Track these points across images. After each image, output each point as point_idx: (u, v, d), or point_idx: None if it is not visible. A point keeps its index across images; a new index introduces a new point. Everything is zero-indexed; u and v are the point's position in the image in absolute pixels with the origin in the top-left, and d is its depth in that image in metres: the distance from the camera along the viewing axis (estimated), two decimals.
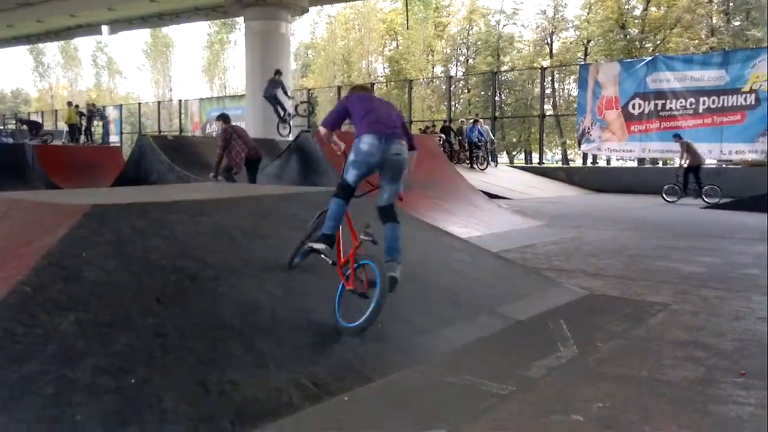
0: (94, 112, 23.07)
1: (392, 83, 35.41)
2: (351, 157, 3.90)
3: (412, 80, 30.07)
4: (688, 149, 14.62)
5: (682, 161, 14.79)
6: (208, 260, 3.87)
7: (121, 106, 37.72)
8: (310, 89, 34.09)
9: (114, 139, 30.85)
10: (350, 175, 3.90)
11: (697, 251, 7.60)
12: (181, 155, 11.60)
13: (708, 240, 8.70)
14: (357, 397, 3.05)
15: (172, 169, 10.69)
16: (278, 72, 15.61)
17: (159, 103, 38.11)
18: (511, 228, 8.83)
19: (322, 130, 4.16)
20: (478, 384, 3.26)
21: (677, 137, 15.47)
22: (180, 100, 34.97)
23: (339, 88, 31.47)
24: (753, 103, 17.07)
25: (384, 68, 41.90)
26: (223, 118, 9.80)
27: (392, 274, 3.76)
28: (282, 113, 15.55)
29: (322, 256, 3.90)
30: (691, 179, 14.57)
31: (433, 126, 21.54)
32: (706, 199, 14.15)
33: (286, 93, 15.94)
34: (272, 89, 15.28)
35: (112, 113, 33.18)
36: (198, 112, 31.91)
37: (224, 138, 9.39)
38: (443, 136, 19.21)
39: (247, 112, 19.83)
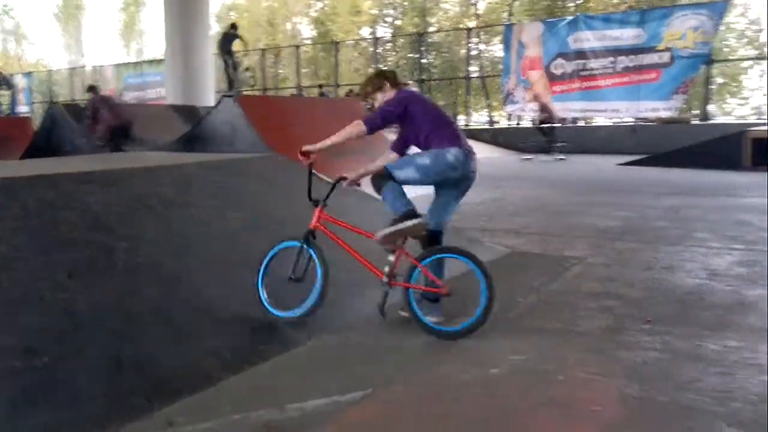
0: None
1: (319, 45, 34.80)
2: (423, 160, 3.50)
3: (338, 42, 29.62)
4: (543, 108, 15.99)
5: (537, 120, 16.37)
6: (124, 232, 3.75)
7: (30, 73, 35.57)
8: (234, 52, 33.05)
9: (24, 109, 29.17)
10: (406, 173, 3.53)
11: (613, 206, 7.93)
12: None
13: (624, 195, 9.09)
14: (279, 365, 3.06)
15: (86, 138, 10.22)
16: (234, 26, 15.62)
17: (71, 70, 36.16)
18: None
19: (364, 128, 3.60)
20: (397, 344, 3.32)
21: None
22: (94, 67, 33.30)
23: (263, 51, 30.71)
24: (668, 61, 17.69)
25: (310, 30, 41.12)
26: (92, 89, 11.15)
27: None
28: (233, 70, 15.36)
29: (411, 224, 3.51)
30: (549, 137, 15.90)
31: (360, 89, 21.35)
32: (559, 155, 15.52)
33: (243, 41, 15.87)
34: (228, 44, 15.16)
35: (20, 82, 31.29)
36: (114, 79, 30.47)
37: (92, 108, 10.43)
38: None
39: (167, 78, 19.06)
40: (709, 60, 18.55)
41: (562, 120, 19.10)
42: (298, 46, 30.74)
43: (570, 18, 19.97)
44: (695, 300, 4.01)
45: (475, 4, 35.50)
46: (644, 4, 25.92)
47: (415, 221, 3.47)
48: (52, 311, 2.90)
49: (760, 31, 29.89)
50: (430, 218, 3.63)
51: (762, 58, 29.03)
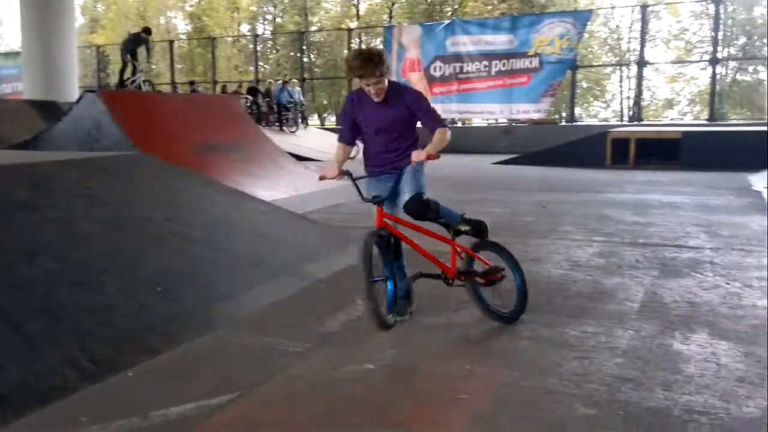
0: None
1: (195, 41, 33.61)
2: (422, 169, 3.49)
3: (215, 38, 28.78)
4: None
5: None
6: None
7: None
8: (99, 46, 31.21)
9: None
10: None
11: (487, 203, 8.24)
12: None
13: (497, 192, 9.48)
14: (143, 372, 2.89)
15: None
16: (147, 30, 14.53)
17: None
18: (320, 189, 8.88)
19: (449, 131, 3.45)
20: (274, 344, 3.26)
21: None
22: None
23: None
24: (537, 66, 18.71)
25: (185, 25, 39.63)
26: None
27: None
28: (133, 73, 14.38)
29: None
30: None
31: (240, 87, 20.88)
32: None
33: (149, 51, 14.77)
34: (132, 46, 14.15)
35: None
36: None
37: None
38: (250, 97, 18.71)
39: (24, 72, 17.61)
40: (574, 65, 19.79)
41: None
42: (172, 41, 29.50)
43: (447, 22, 20.60)
44: (559, 289, 4.24)
45: (356, 5, 35.76)
46: (515, 11, 27.23)
47: (467, 228, 3.62)
48: None
49: (620, 39, 32.35)
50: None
51: (622, 65, 31.50)
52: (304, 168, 10.37)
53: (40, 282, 3.28)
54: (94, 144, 7.01)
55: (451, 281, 3.53)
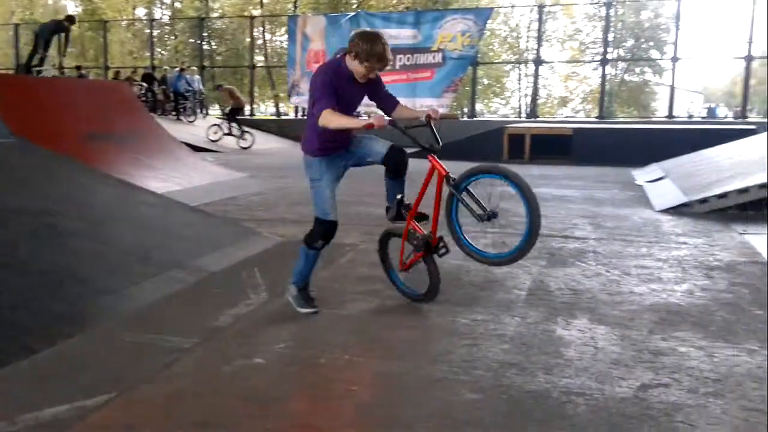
0: None
1: (86, 24, 31.75)
2: None
3: (107, 21, 27.32)
4: (231, 95, 17.01)
5: (226, 107, 17.14)
6: None
7: None
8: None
9: None
10: None
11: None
12: None
13: None
14: (16, 372, 2.70)
15: None
16: (70, 19, 13.98)
17: None
18: (215, 181, 8.65)
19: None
20: (159, 341, 3.12)
21: (219, 87, 18.29)
22: None
23: (17, 26, 27.23)
24: (440, 61, 19.02)
25: (75, 6, 37.35)
26: None
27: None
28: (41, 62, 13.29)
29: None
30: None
31: (134, 73, 19.95)
32: (242, 142, 16.09)
33: (67, 42, 13.91)
34: (49, 33, 13.04)
35: None
36: None
37: None
38: (145, 84, 17.91)
39: None
40: (475, 62, 20.28)
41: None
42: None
43: (352, 14, 20.57)
44: (453, 279, 4.32)
45: None
46: (419, 6, 27.60)
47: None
48: None
49: (519, 38, 33.53)
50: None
51: (520, 63, 32.68)
52: (201, 159, 10.06)
53: None
54: None
55: None
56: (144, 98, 16.55)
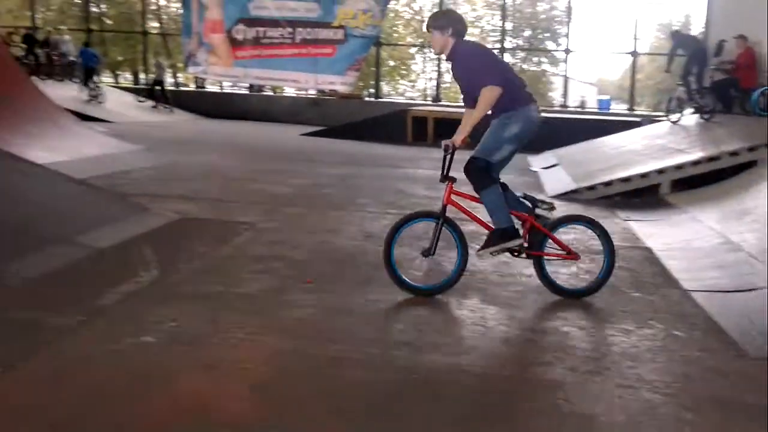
0: None
1: None
2: (512, 129, 3.43)
3: None
4: (158, 66, 18.30)
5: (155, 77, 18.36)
6: None
7: None
8: None
9: None
10: (501, 153, 3.47)
11: (289, 174, 8.19)
12: None
13: (301, 164, 9.48)
14: None
15: None
16: None
17: None
18: (107, 153, 8.19)
19: (498, 90, 3.34)
20: (41, 318, 2.95)
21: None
22: None
23: None
24: (342, 38, 18.86)
25: None
26: None
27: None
28: None
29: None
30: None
31: (15, 32, 18.46)
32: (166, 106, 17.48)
33: None
34: None
35: None
36: None
37: None
38: (25, 46, 16.60)
39: None
40: (378, 42, 20.29)
41: (251, 87, 19.40)
42: None
43: None
44: (351, 260, 4.34)
45: None
46: None
47: (517, 241, 3.48)
48: None
49: (423, 21, 33.81)
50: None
51: (424, 46, 33.04)
52: (89, 129, 9.49)
53: None
54: None
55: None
56: (25, 61, 15.35)
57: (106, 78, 23.94)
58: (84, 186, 5.34)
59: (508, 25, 26.34)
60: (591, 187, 7.32)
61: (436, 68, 23.73)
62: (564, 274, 3.99)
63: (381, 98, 21.12)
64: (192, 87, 23.91)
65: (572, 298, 3.66)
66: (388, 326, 3.12)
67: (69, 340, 2.78)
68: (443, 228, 3.55)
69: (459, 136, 3.52)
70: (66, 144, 7.52)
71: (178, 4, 29.83)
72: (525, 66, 33.68)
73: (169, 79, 26.79)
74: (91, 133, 8.91)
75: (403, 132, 14.09)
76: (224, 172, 8.21)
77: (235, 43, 19.21)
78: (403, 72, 36.25)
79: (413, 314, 3.31)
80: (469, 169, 3.51)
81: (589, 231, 3.83)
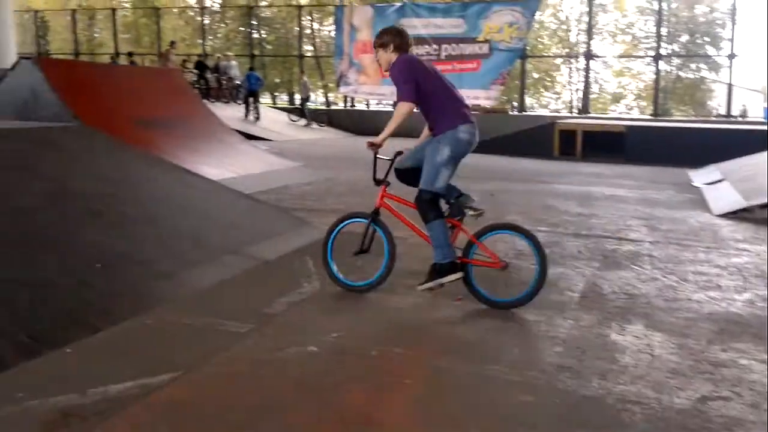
0: None
1: (140, 11, 32.43)
2: (443, 154, 3.50)
3: (160, 8, 27.85)
4: (304, 85, 19.25)
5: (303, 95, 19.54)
6: None
7: None
8: (38, 11, 29.82)
9: None
10: (441, 180, 3.53)
11: None
12: None
13: None
14: (82, 348, 2.81)
15: None
16: None
17: None
18: (268, 169, 8.76)
19: (408, 105, 3.52)
20: (216, 324, 3.20)
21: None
22: None
23: (74, 11, 27.98)
24: (487, 52, 18.80)
25: None
26: None
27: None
28: None
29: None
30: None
31: (188, 59, 20.35)
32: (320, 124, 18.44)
33: None
34: None
35: None
36: None
37: None
38: (198, 72, 18.23)
39: None
40: (524, 55, 19.99)
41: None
42: (114, 10, 28.38)
43: (398, 4, 20.50)
44: (502, 278, 4.27)
45: None
46: None
47: (458, 276, 3.55)
48: None
49: (569, 31, 32.87)
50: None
51: (571, 57, 32.08)
52: (253, 147, 10.20)
53: None
54: (31, 114, 6.69)
55: None
56: (197, 86, 16.84)
57: (264, 99, 25.63)
58: (251, 200, 5.74)
59: (663, 31, 24.80)
60: (765, 205, 6.67)
61: (584, 78, 22.93)
62: (491, 283, 3.70)
63: (525, 111, 20.72)
64: (341, 105, 24.95)
65: (498, 308, 3.55)
66: (546, 348, 3.03)
67: (241, 346, 2.98)
68: (374, 228, 3.76)
69: (380, 138, 3.65)
70: (233, 161, 8.14)
71: (331, 28, 31.44)
72: (681, 73, 31.56)
73: (319, 98, 28.18)
74: (254, 151, 9.57)
75: (550, 146, 13.72)
76: (376, 188, 8.44)
77: None
78: (548, 83, 35.34)
79: (573, 338, 3.19)
80: (417, 202, 3.59)
81: (519, 240, 3.75)
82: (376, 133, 3.73)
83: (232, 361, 2.81)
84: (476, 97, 19.32)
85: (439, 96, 3.58)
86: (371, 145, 3.70)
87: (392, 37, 3.69)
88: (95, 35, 32.05)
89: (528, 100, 24.68)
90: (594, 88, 31.39)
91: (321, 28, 33.51)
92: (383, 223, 3.81)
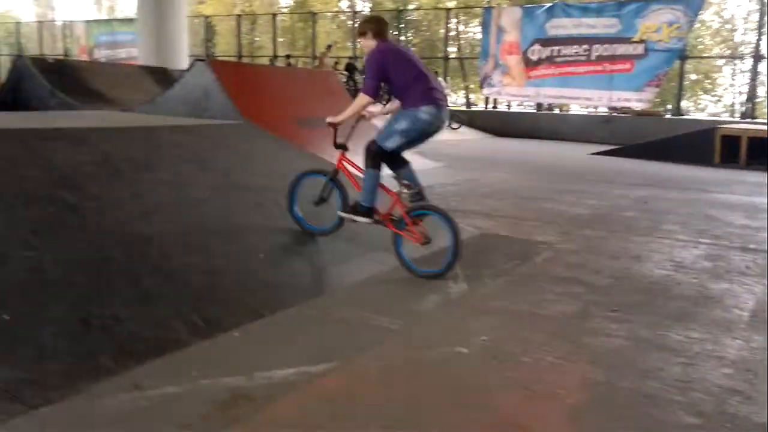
0: None
1: (296, 15, 34.21)
2: (401, 125, 3.88)
3: (316, 13, 29.17)
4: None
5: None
6: (91, 191, 3.66)
7: None
8: (207, 16, 32.35)
9: None
10: (391, 142, 3.92)
11: (584, 195, 8.00)
12: (65, 81, 10.73)
13: (595, 184, 9.18)
14: (247, 333, 3.03)
15: (53, 94, 9.89)
16: None
17: (40, 23, 34.92)
18: (415, 169, 8.90)
19: (366, 99, 3.92)
20: (368, 319, 3.32)
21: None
22: (64, 22, 32.21)
23: (239, 17, 30.04)
24: (642, 52, 17.84)
25: None
26: None
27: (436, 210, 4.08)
28: None
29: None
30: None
31: (339, 61, 21.15)
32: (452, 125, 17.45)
33: None
34: None
35: None
36: (84, 36, 29.52)
37: None
38: (347, 73, 18.89)
39: (138, 38, 18.54)
40: (683, 55, 18.76)
41: (539, 106, 19.38)
42: (274, 15, 30.18)
43: (549, 5, 19.98)
44: (661, 290, 4.08)
45: None
46: None
47: (365, 220, 4.07)
48: (16, 268, 2.81)
49: (734, 30, 30.35)
50: (384, 138, 3.99)
51: (735, 57, 29.60)
52: None
53: (154, 241, 3.48)
54: (202, 111, 7.30)
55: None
56: (347, 86, 17.47)
57: None
58: None
59: None
60: None
61: (749, 81, 21.05)
62: (415, 254, 4.16)
63: (681, 115, 19.40)
64: (481, 107, 24.79)
65: (416, 276, 4.02)
66: (712, 369, 2.85)
67: (391, 341, 3.08)
68: (332, 186, 4.22)
69: (338, 118, 4.09)
70: None
71: (476, 29, 31.32)
72: None
73: (460, 99, 28.18)
74: None
75: (710, 152, 12.73)
76: (517, 190, 8.33)
77: (529, 64, 19.52)
78: (708, 86, 32.84)
79: (743, 359, 2.97)
80: (366, 148, 3.98)
81: (439, 221, 4.02)
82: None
83: (385, 356, 2.90)
84: (627, 99, 18.39)
85: (409, 80, 3.86)
86: (330, 124, 4.16)
87: (370, 25, 3.99)
88: (256, 39, 34.24)
89: (684, 104, 23.07)
90: (760, 91, 28.67)
91: (466, 29, 33.52)
92: (340, 182, 4.24)
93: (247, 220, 4.25)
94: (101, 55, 27.38)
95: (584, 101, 19.49)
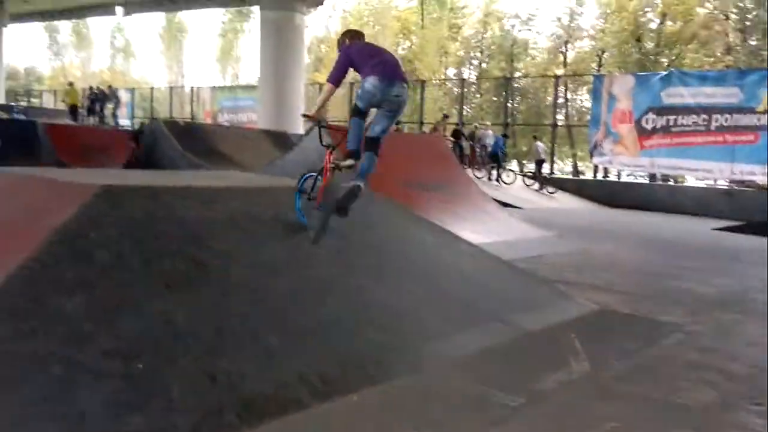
0: (108, 94, 23.07)
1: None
2: (359, 92, 4.37)
3: (424, 81, 29.95)
4: (536, 149, 19.34)
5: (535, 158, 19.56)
6: (218, 248, 3.80)
7: (133, 89, 37.60)
8: (322, 84, 34.03)
9: (125, 122, 30.80)
10: (361, 103, 4.35)
11: (709, 272, 7.49)
12: (192, 142, 11.52)
13: (720, 261, 8.59)
14: (365, 399, 2.98)
15: (183, 155, 10.61)
16: None
17: (171, 89, 38.02)
18: (522, 237, 8.74)
19: (328, 86, 4.46)
20: (487, 394, 3.18)
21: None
22: (192, 88, 34.89)
23: (351, 84, 31.38)
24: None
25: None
26: None
27: (357, 183, 4.28)
28: None
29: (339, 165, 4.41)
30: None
31: (445, 119, 21.51)
32: (548, 190, 18.14)
33: None
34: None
35: (124, 96, 33.13)
36: (210, 101, 31.80)
37: None
38: (453, 139, 19.09)
39: (259, 103, 19.75)
40: None
41: (652, 176, 18.71)
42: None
43: (664, 72, 19.47)
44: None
45: (563, 53, 35.21)
46: (743, 64, 24.99)
47: (349, 162, 4.32)
48: (149, 320, 2.93)
49: None
50: (371, 130, 4.34)
51: None
52: (507, 214, 10.28)
53: (277, 299, 3.54)
54: None
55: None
56: (453, 152, 17.63)
57: (511, 166, 25.90)
58: (511, 267, 5.73)
59: None
60: None
61: None
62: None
63: None
64: (589, 176, 24.20)
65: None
66: None
67: (516, 421, 2.92)
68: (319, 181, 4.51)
69: (312, 110, 4.69)
70: (490, 227, 8.28)
71: (584, 96, 31.04)
72: None
73: (566, 167, 27.68)
74: (508, 218, 9.64)
75: None
76: (634, 263, 7.94)
77: (643, 133, 18.95)
78: None
79: None
80: (352, 107, 4.37)
81: None
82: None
83: None
84: (751, 172, 17.37)
85: (364, 59, 4.28)
86: (306, 116, 4.66)
87: (345, 37, 4.56)
88: None
89: None
90: None
91: (574, 96, 33.26)
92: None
93: (357, 280, 4.26)
94: (224, 118, 29.33)
95: (703, 173, 18.59)
